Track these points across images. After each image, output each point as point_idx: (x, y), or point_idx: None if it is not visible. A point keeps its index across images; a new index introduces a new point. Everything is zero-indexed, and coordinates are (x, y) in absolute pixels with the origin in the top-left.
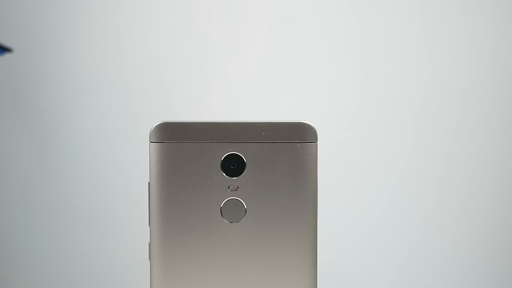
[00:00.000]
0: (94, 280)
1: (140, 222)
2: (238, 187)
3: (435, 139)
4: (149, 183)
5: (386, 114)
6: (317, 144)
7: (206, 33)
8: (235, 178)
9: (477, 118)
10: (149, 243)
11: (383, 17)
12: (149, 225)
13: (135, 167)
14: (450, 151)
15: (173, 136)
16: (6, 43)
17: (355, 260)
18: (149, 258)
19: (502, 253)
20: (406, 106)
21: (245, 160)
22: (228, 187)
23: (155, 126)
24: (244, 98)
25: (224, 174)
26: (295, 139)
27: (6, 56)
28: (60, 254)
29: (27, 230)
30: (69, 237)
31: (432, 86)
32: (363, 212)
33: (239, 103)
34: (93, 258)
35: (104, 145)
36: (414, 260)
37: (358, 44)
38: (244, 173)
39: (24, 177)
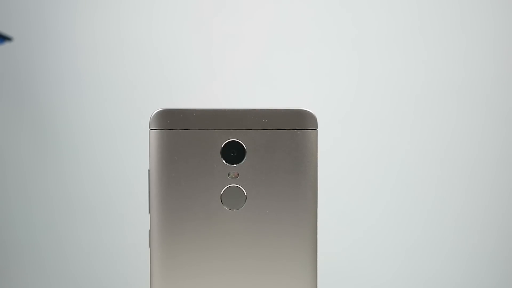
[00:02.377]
0: (93, 269)
1: (140, 209)
2: (238, 174)
3: (434, 130)
4: (149, 170)
5: (385, 105)
6: (317, 131)
7: (207, 23)
8: (235, 165)
9: (477, 109)
10: (149, 231)
11: (382, 7)
12: (149, 212)
13: (135, 155)
14: (450, 142)
15: (173, 123)
16: (6, 32)
17: (355, 255)
18: (149, 246)
19: (504, 247)
20: (405, 97)
21: (245, 147)
22: (228, 174)
23: (155, 113)
24: (245, 87)
25: (224, 161)
26: (295, 126)
27: (6, 45)
28: (58, 242)
29: (25, 220)
30: (67, 226)
31: (431, 77)
32: (363, 205)
33: (240, 92)
34: (92, 245)
35: (104, 134)
36: (415, 253)
37: (357, 35)
38: (244, 160)
39: (22, 167)
